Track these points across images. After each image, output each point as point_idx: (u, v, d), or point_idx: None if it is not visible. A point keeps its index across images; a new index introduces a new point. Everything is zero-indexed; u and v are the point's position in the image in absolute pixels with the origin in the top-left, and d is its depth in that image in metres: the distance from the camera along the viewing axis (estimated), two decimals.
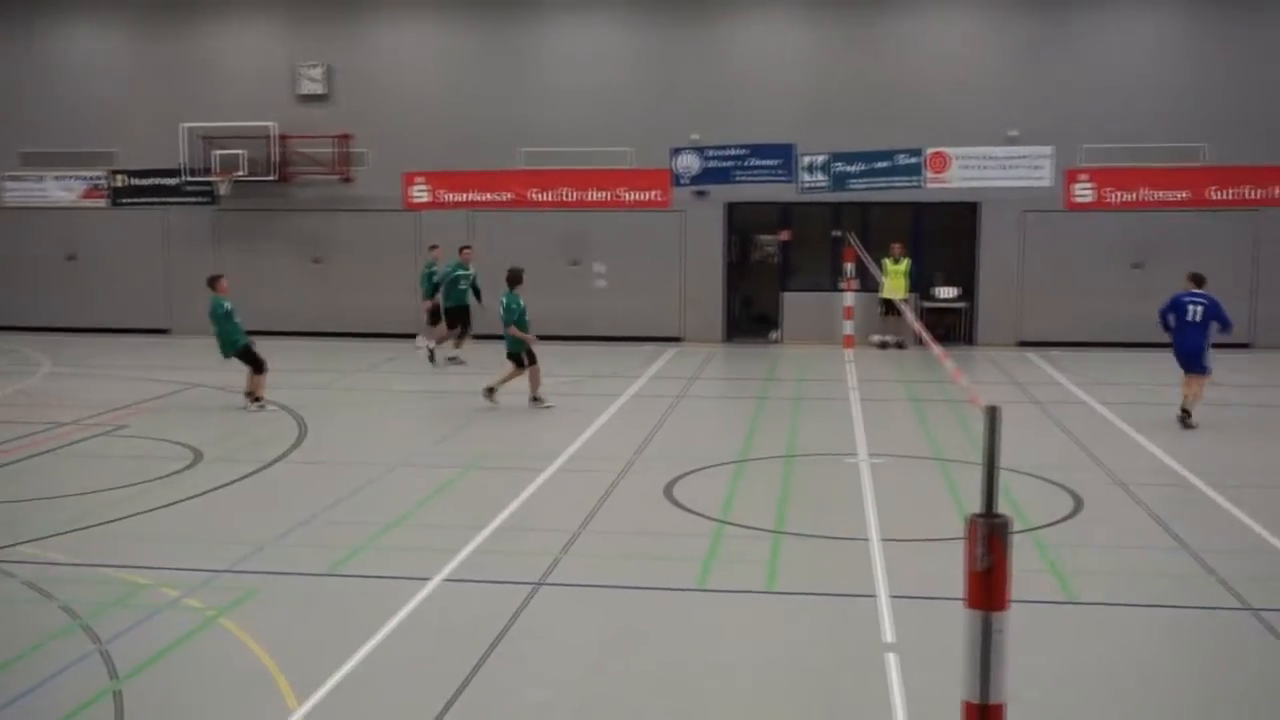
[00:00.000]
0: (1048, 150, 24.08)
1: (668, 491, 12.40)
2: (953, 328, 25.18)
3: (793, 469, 13.66)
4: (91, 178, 27.05)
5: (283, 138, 25.95)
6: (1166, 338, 16.25)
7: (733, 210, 25.55)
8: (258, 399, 17.16)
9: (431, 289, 22.46)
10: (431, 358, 21.86)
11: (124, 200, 26.99)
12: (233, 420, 16.66)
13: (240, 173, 25.69)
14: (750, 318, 26.49)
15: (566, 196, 25.60)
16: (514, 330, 17.07)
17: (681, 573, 9.71)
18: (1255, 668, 7.93)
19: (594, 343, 24.30)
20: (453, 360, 21.74)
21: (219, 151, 25.80)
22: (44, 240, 27.19)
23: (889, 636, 8.29)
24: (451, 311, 21.84)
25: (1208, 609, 8.96)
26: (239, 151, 25.66)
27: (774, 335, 25.57)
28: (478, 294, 21.90)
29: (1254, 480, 12.96)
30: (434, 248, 23.20)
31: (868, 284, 23.93)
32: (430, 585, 9.34)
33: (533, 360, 17.27)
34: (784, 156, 24.57)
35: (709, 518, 11.42)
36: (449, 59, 25.96)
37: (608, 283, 17.31)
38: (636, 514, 11.64)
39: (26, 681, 7.55)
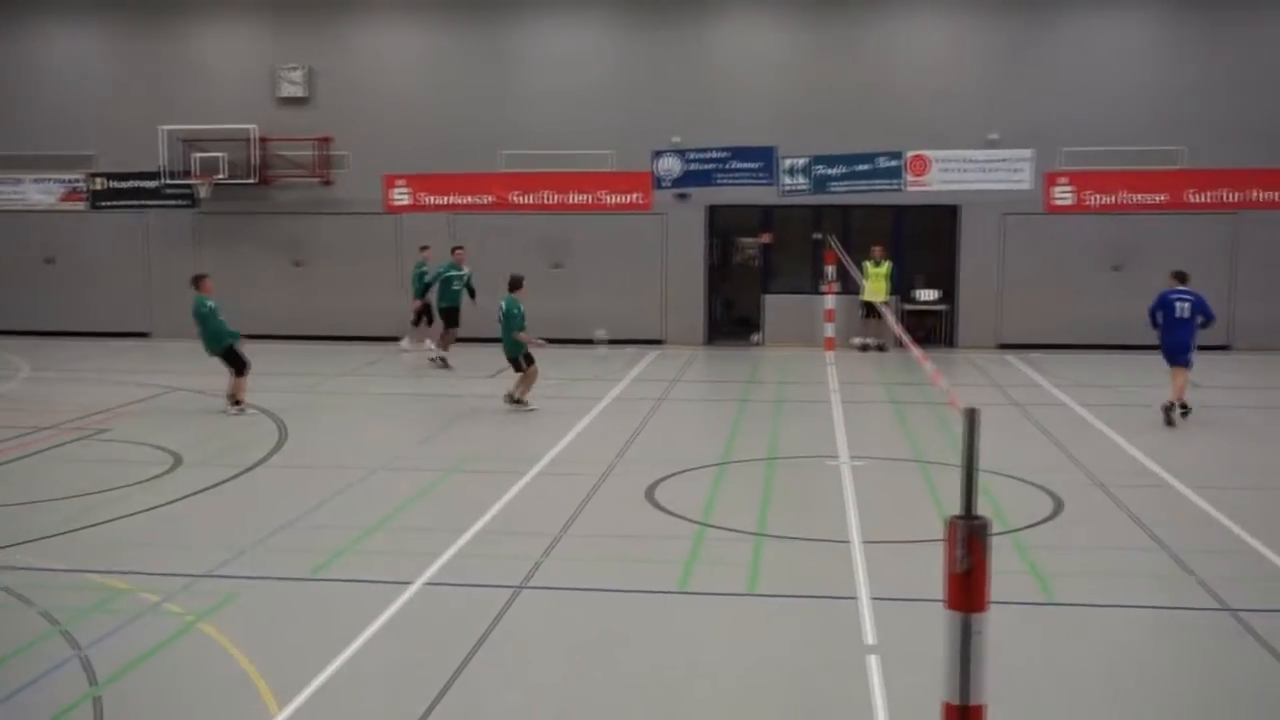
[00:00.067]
0: (1027, 153, 24.17)
1: (649, 494, 12.41)
2: (933, 330, 25.26)
3: (774, 471, 13.68)
4: (70, 180, 26.92)
5: (263, 140, 25.87)
6: (1146, 339, 16.42)
7: (714, 213, 25.58)
8: (238, 402, 17.10)
9: (423, 289, 22.45)
10: (444, 363, 21.65)
11: (103, 203, 26.86)
12: (213, 424, 16.60)
13: (220, 175, 25.61)
14: (732, 320, 26.52)
15: (548, 199, 25.60)
16: (521, 335, 17.06)
17: (663, 575, 9.72)
18: (1233, 668, 7.97)
19: (575, 346, 24.29)
20: (434, 361, 21.72)
21: (199, 154, 25.71)
22: (23, 243, 27.03)
23: (870, 638, 8.31)
24: (444, 312, 21.86)
25: (1187, 609, 9.01)
26: (219, 154, 25.58)
27: (755, 338, 25.60)
28: (472, 293, 21.88)
29: (1233, 481, 13.05)
30: (424, 248, 23.20)
31: (849, 287, 24.00)
32: (411, 589, 9.33)
33: (530, 363, 17.28)
34: (765, 159, 24.60)
35: (690, 520, 11.43)
36: (429, 62, 25.92)
37: (604, 337, 17.38)
38: (618, 517, 11.65)
39: (5, 688, 7.50)
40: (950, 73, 24.52)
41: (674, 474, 13.28)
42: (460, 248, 22.46)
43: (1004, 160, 24.29)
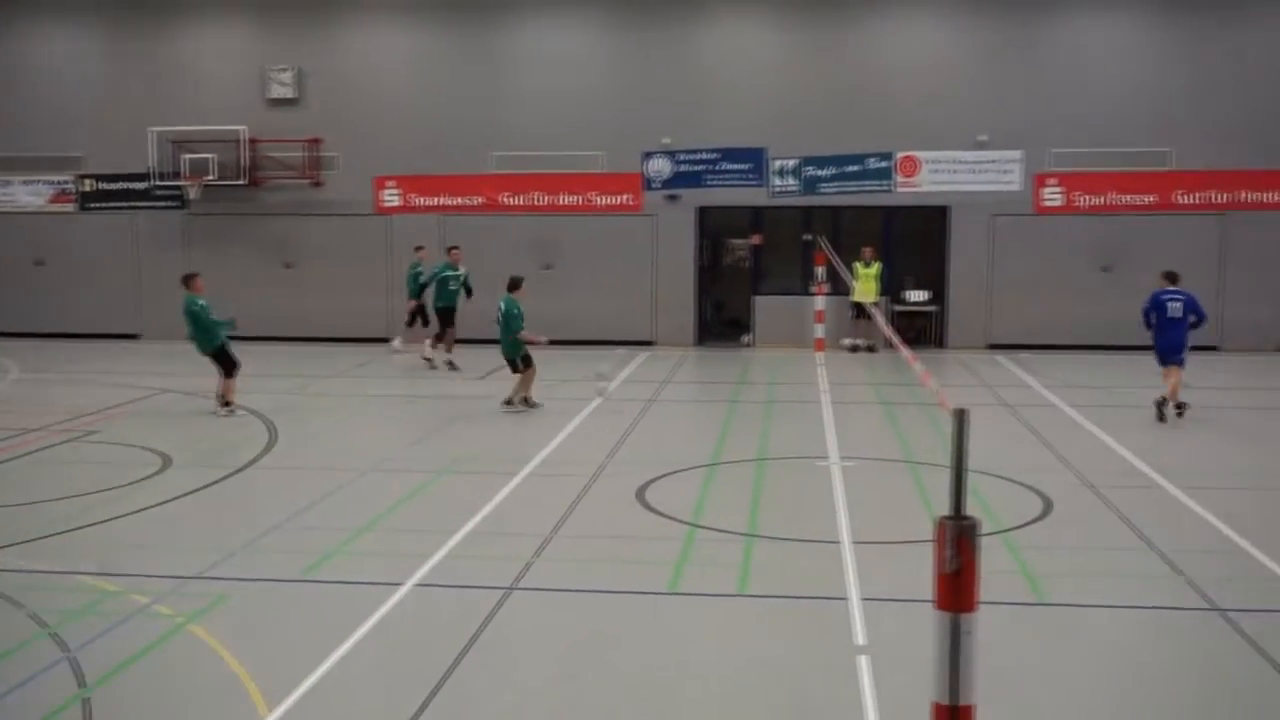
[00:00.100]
0: (1017, 154, 24.24)
1: (640, 495, 12.41)
2: (923, 331, 25.30)
3: (764, 472, 13.69)
4: (59, 182, 26.85)
5: (253, 141, 25.82)
6: (1136, 339, 16.53)
7: (704, 214, 25.59)
8: (228, 403, 17.07)
9: (418, 289, 22.42)
10: (452, 365, 21.62)
11: (92, 205, 26.80)
12: (203, 425, 16.57)
13: (210, 177, 25.55)
14: (722, 321, 26.54)
15: (538, 200, 25.59)
16: (523, 335, 17.05)
17: (653, 576, 9.72)
18: (1223, 668, 7.99)
19: (567, 347, 24.27)
20: (428, 361, 21.73)
21: (188, 155, 25.65)
22: (12, 245, 26.95)
23: (860, 639, 8.33)
24: (440, 312, 21.85)
25: (1176, 610, 9.03)
26: (209, 155, 25.52)
27: (746, 339, 25.62)
28: (469, 293, 21.86)
29: (1222, 481, 13.08)
30: (419, 248, 23.19)
31: (839, 288, 24.02)
32: (402, 590, 9.32)
33: (528, 364, 17.27)
34: (755, 160, 24.64)
35: (681, 521, 11.43)
36: (420, 63, 25.91)
37: (607, 384, 17.53)
38: (608, 518, 11.65)
39: None
40: (940, 74, 24.57)
41: (664, 475, 13.28)
42: (456, 247, 22.43)
43: (993, 161, 24.35)
